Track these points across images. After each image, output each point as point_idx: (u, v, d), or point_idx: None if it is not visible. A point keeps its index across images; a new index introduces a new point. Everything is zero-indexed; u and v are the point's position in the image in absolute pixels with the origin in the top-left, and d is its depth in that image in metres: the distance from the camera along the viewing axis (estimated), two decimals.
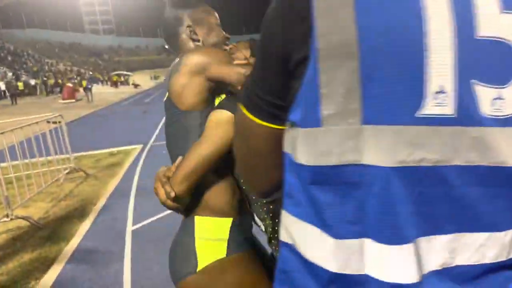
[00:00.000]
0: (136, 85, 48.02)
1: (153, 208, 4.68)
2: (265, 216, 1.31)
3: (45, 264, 3.66)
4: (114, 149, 8.94)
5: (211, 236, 1.29)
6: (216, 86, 1.34)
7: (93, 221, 4.62)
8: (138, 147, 8.98)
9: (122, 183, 6.15)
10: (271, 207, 1.29)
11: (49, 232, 4.40)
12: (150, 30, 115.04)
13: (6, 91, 31.95)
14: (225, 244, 1.28)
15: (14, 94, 29.40)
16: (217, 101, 1.37)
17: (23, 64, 53.49)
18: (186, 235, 1.32)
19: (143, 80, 58.24)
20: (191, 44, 1.49)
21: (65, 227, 4.52)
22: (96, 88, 38.65)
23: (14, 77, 40.45)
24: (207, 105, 1.34)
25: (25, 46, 68.85)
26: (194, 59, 1.31)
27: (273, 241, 1.33)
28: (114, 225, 4.44)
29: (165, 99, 1.42)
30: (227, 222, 1.31)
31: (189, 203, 1.31)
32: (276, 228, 1.28)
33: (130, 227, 4.32)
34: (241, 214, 1.37)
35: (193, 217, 1.32)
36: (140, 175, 6.51)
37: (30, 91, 37.39)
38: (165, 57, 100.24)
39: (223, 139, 1.22)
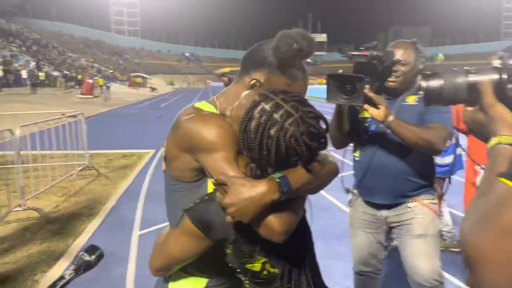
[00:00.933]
0: (153, 89, 48.61)
1: (161, 215, 4.75)
2: None
3: (52, 258, 3.75)
4: (127, 151, 9.07)
5: None
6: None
7: (101, 221, 4.72)
8: (151, 151, 9.10)
9: (132, 186, 6.25)
10: None
11: (58, 226, 4.50)
12: (173, 36, 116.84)
13: (27, 79, 32.56)
14: None
15: (35, 83, 29.96)
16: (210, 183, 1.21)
17: (46, 55, 54.53)
18: (162, 284, 1.34)
19: (160, 84, 58.95)
20: (240, 89, 1.25)
21: (73, 223, 4.61)
22: (114, 87, 39.19)
23: (36, 66, 41.23)
24: (197, 178, 1.23)
25: (51, 38, 70.28)
26: (190, 134, 1.16)
27: None
28: (121, 228, 4.53)
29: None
30: (202, 282, 1.28)
31: None
32: None
33: (137, 232, 4.40)
34: (220, 275, 1.29)
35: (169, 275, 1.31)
36: (151, 180, 6.61)
37: (50, 82, 38.07)
38: (184, 65, 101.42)
39: (197, 250, 1.16)
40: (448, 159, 3.76)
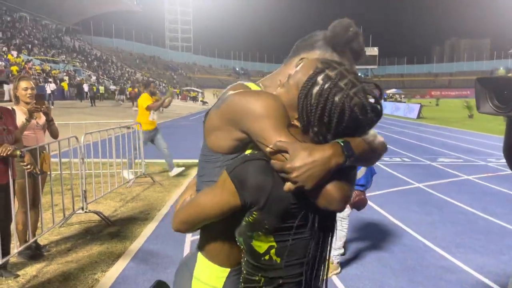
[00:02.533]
0: (204, 102, 49.86)
1: None
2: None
3: (111, 258, 3.93)
4: (180, 160, 9.34)
5: (207, 281, 1.32)
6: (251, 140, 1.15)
7: (156, 225, 4.89)
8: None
9: None
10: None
11: (116, 229, 4.72)
12: (224, 51, 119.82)
13: (89, 92, 34.61)
14: None
15: (95, 96, 31.78)
16: (248, 151, 1.21)
17: (106, 70, 57.68)
18: (187, 268, 1.36)
19: (209, 98, 60.42)
20: (287, 70, 1.27)
21: (130, 227, 4.82)
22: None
23: (97, 81, 43.75)
24: (234, 152, 1.21)
25: (110, 54, 74.39)
26: (238, 106, 1.13)
27: None
28: (175, 233, 4.65)
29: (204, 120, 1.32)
30: (224, 272, 1.31)
31: (200, 232, 1.33)
32: None
33: (189, 237, 4.52)
34: (239, 265, 1.30)
35: (198, 253, 1.34)
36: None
37: (109, 95, 40.22)
38: (234, 79, 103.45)
39: (224, 206, 1.14)
40: None
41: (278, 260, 1.13)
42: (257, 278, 1.17)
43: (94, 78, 45.38)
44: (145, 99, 7.69)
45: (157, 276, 3.59)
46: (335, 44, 1.22)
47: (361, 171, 3.63)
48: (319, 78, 1.05)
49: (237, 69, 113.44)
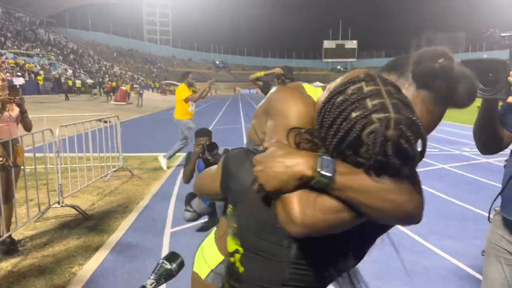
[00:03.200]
0: None
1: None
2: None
3: (88, 252, 3.88)
4: (159, 154, 9.26)
5: (205, 257, 1.47)
6: None
7: (135, 218, 4.85)
8: (181, 155, 9.27)
9: (164, 187, 6.40)
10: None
11: (94, 223, 4.66)
12: (204, 45, 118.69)
13: (65, 86, 33.93)
14: (208, 271, 1.45)
15: (71, 91, 31.15)
16: None
17: (82, 64, 56.51)
18: (204, 236, 1.54)
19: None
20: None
21: (108, 220, 4.76)
22: (146, 94, 40.13)
23: (73, 74, 42.84)
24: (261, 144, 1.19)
25: (87, 47, 72.86)
26: (272, 100, 1.13)
27: None
28: (154, 225, 4.64)
29: None
30: (220, 258, 1.42)
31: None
32: None
33: (168, 229, 4.50)
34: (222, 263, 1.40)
35: (215, 229, 1.49)
36: (182, 181, 6.73)
37: (86, 89, 39.47)
38: (214, 73, 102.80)
39: (211, 186, 1.15)
40: None
41: (241, 269, 0.99)
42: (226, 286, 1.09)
43: (70, 71, 44.42)
44: (183, 90, 7.66)
45: (136, 268, 3.57)
46: (415, 74, 1.00)
47: None
48: (350, 88, 0.87)
49: (217, 62, 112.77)
